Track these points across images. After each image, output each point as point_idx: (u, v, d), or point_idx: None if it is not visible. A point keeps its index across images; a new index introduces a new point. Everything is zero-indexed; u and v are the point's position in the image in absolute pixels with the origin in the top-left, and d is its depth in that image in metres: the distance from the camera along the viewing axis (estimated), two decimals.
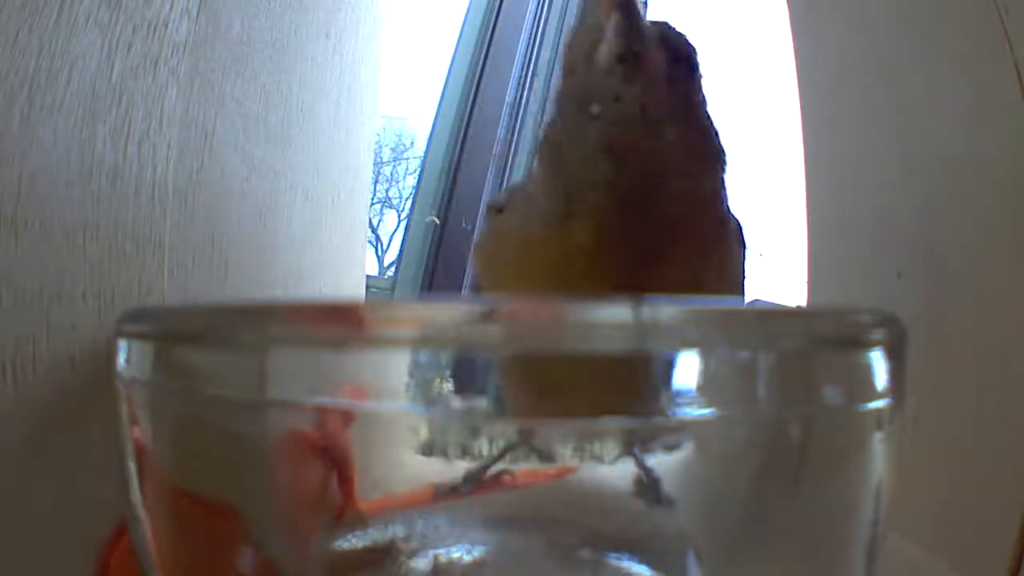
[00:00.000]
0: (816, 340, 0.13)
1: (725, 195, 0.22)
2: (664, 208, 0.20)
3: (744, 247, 0.23)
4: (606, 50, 0.20)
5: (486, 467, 0.15)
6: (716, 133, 0.22)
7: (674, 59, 0.21)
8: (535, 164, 0.23)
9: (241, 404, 0.13)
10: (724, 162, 0.22)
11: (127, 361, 0.14)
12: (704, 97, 0.22)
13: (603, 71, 0.20)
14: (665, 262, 0.20)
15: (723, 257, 0.22)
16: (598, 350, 0.12)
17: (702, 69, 0.22)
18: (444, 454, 0.14)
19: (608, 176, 0.19)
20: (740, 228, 0.23)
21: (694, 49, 0.22)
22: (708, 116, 0.22)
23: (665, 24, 0.22)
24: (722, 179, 0.22)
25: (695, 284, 0.20)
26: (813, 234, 0.39)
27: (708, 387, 0.12)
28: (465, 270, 0.26)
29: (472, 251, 0.24)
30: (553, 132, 0.22)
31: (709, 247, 0.21)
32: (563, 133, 0.21)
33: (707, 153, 0.21)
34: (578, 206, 0.20)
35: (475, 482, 0.15)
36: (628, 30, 0.20)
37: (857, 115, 0.34)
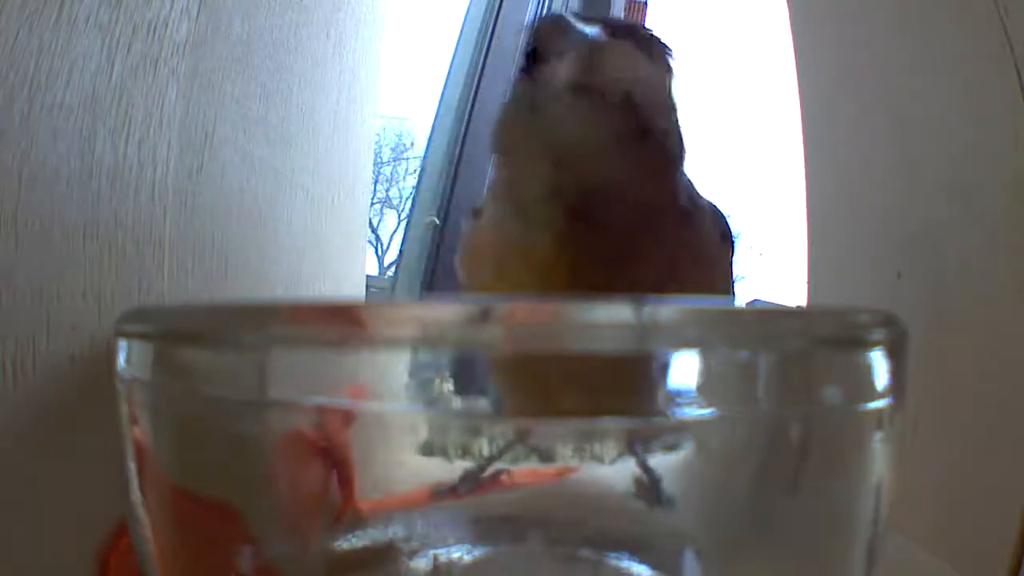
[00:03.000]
0: (816, 340, 0.13)
1: (684, 188, 0.22)
2: (618, 213, 0.20)
3: (731, 241, 0.23)
4: (561, 75, 0.20)
5: (484, 467, 0.15)
6: (677, 133, 0.22)
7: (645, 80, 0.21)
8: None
9: (241, 404, 0.13)
10: (682, 158, 0.22)
11: (127, 361, 0.14)
12: (668, 99, 0.22)
13: (552, 95, 0.20)
14: (630, 264, 0.20)
15: (701, 260, 0.22)
16: (598, 350, 0.12)
17: (669, 64, 0.22)
18: (444, 454, 0.14)
19: (555, 190, 0.20)
20: (724, 222, 0.23)
21: (661, 52, 0.21)
22: (667, 117, 0.21)
23: (631, 29, 0.21)
24: (679, 176, 0.22)
25: (669, 278, 0.20)
26: (813, 234, 0.39)
27: (708, 387, 0.12)
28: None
29: (456, 258, 0.24)
30: (500, 130, 0.22)
31: (674, 241, 0.21)
32: (509, 135, 0.21)
33: (661, 163, 0.21)
34: (533, 219, 0.20)
35: (473, 482, 0.15)
36: (585, 67, 0.20)
37: (857, 115, 0.34)
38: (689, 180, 0.22)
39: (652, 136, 0.21)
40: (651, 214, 0.20)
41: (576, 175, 0.20)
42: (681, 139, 0.22)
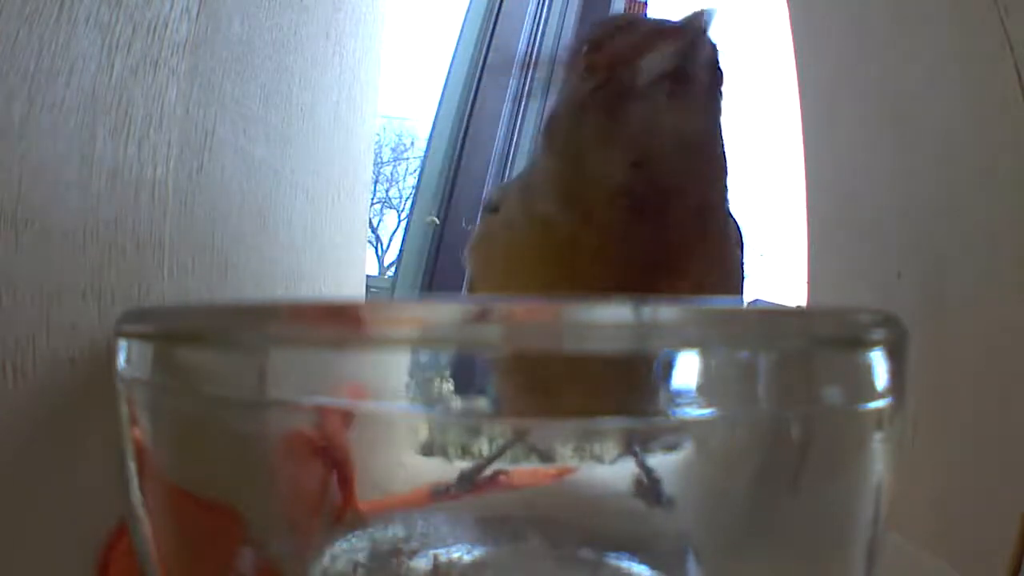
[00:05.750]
0: (816, 340, 0.13)
1: (727, 203, 0.22)
2: (673, 222, 0.20)
3: (743, 249, 0.23)
4: (655, 65, 0.19)
5: (481, 467, 0.15)
6: (724, 144, 0.22)
7: (716, 84, 0.20)
8: (538, 155, 0.22)
9: (241, 404, 0.13)
10: (727, 172, 0.22)
11: (127, 361, 0.14)
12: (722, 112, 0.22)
13: (645, 83, 0.19)
14: (669, 273, 0.20)
15: (726, 269, 0.22)
16: (598, 350, 0.12)
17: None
18: (444, 454, 0.14)
19: (628, 185, 0.19)
20: (739, 230, 0.23)
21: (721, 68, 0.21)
22: (722, 129, 0.22)
23: (715, 47, 0.21)
24: (726, 189, 0.22)
25: (701, 288, 0.20)
26: (813, 234, 0.39)
27: (708, 387, 0.12)
28: (465, 270, 0.25)
29: (467, 252, 0.24)
30: (565, 125, 0.21)
31: (713, 261, 0.21)
32: (580, 130, 0.21)
33: (719, 168, 0.21)
34: (589, 210, 0.20)
35: (470, 482, 0.15)
36: (689, 56, 0.19)
37: (857, 115, 0.34)
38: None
39: (720, 140, 0.21)
40: (704, 219, 0.20)
41: (652, 174, 0.19)
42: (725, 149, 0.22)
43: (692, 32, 0.20)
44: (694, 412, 0.12)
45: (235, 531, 0.15)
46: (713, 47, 0.20)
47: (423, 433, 0.14)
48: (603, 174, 0.20)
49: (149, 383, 0.14)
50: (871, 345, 0.14)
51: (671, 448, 0.15)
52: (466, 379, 0.12)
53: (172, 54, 0.24)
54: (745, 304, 0.19)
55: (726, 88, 0.21)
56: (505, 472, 0.16)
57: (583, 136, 0.20)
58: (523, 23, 1.00)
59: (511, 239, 0.21)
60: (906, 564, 0.24)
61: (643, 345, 0.12)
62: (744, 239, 0.23)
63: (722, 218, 0.22)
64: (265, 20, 0.30)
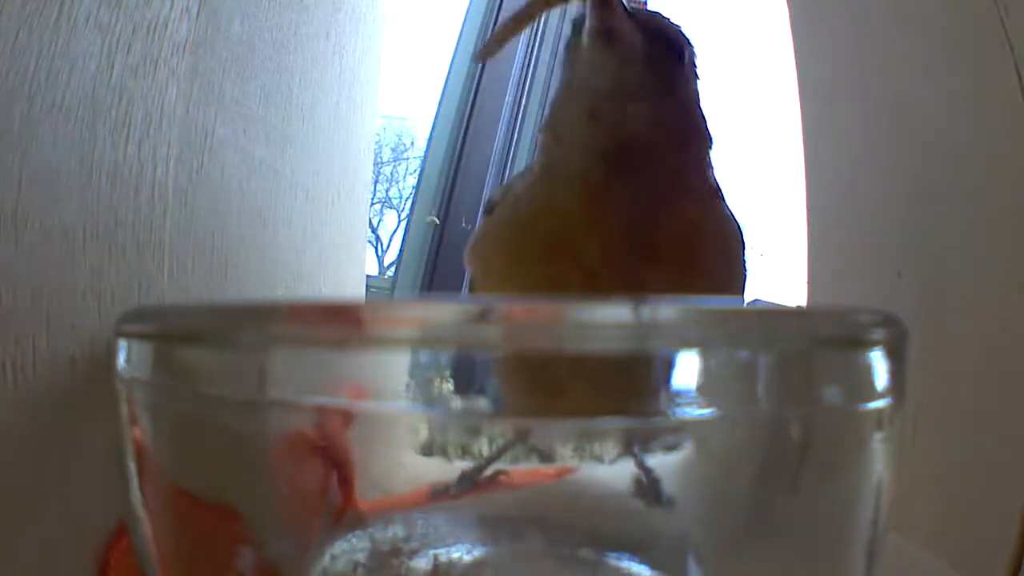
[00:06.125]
0: (816, 340, 0.13)
1: (712, 172, 0.22)
2: (648, 174, 0.20)
3: (744, 249, 0.23)
4: (587, 26, 0.21)
5: (481, 468, 0.15)
6: (703, 117, 0.23)
7: (654, 41, 0.22)
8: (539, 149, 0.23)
9: (241, 404, 0.13)
10: (709, 142, 0.22)
11: (127, 361, 0.14)
12: (691, 83, 0.23)
13: (585, 46, 0.21)
14: (656, 237, 0.20)
15: (729, 270, 0.22)
16: (598, 350, 0.12)
17: (694, 60, 0.23)
18: (444, 454, 0.14)
19: (590, 141, 0.20)
20: (740, 230, 0.23)
21: (686, 40, 0.23)
22: (693, 99, 0.23)
23: (655, 13, 0.22)
24: (707, 155, 0.22)
25: (689, 253, 0.20)
26: (813, 234, 0.39)
27: (708, 387, 0.12)
28: (465, 270, 0.26)
29: (467, 252, 0.24)
30: (551, 108, 0.23)
31: (697, 214, 0.21)
32: (555, 107, 0.22)
33: (687, 128, 0.22)
34: (566, 170, 0.21)
35: (470, 482, 0.15)
36: (603, 7, 0.21)
37: (857, 115, 0.34)
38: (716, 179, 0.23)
39: (679, 97, 0.22)
40: (680, 178, 0.21)
41: (609, 125, 0.20)
42: (707, 124, 0.23)
43: None
44: (694, 412, 0.12)
45: (235, 531, 0.15)
46: (656, 18, 0.22)
47: (423, 433, 0.14)
48: (571, 130, 0.21)
49: (149, 383, 0.14)
50: (871, 345, 0.14)
51: (671, 448, 0.15)
52: (466, 379, 0.12)
53: (172, 54, 0.24)
54: (745, 304, 0.19)
55: (692, 65, 0.23)
56: (505, 472, 0.16)
57: (561, 108, 0.22)
58: None
59: (507, 223, 0.22)
60: (906, 564, 0.24)
61: (643, 345, 0.12)
62: (744, 239, 0.23)
63: (706, 179, 0.22)
64: (265, 20, 0.30)
